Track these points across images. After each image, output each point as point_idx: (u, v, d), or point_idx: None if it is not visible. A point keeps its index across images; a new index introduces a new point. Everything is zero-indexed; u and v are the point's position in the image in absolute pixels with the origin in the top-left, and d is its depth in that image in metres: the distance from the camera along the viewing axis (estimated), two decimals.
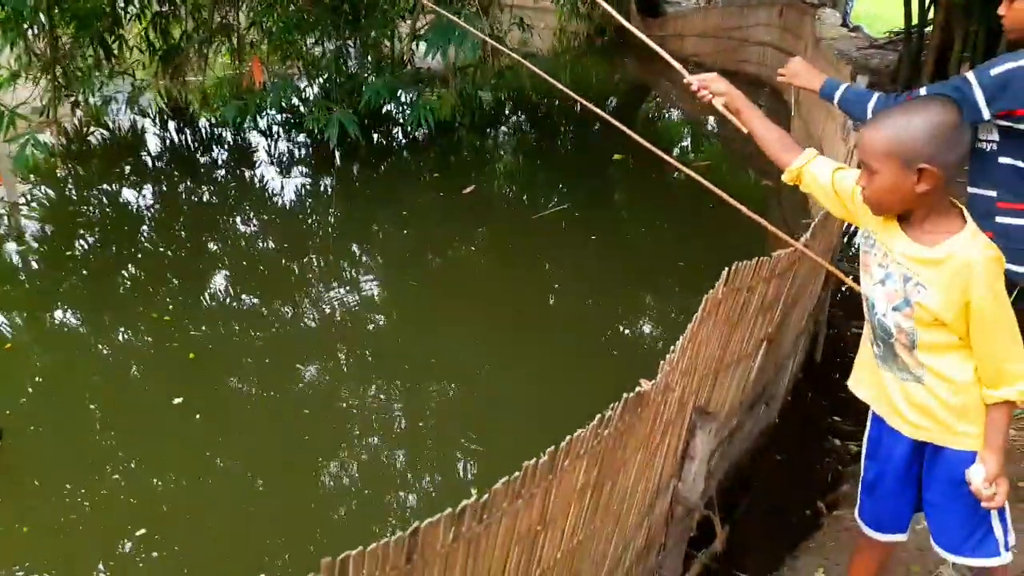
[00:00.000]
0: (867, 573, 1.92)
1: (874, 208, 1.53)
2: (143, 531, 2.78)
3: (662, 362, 1.66)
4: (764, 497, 2.93)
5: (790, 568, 2.42)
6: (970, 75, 2.02)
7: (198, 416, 3.44)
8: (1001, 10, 2.11)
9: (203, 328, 4.28)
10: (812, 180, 1.75)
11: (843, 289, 4.31)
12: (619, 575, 2.05)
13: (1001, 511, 1.61)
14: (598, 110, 2.35)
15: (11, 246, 5.50)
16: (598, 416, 1.47)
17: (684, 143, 9.07)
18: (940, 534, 1.68)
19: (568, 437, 1.39)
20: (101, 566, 2.66)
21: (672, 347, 1.71)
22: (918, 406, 1.58)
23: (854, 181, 1.64)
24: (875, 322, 1.62)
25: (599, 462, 1.55)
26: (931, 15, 7.92)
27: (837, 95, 2.33)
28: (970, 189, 2.21)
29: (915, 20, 8.15)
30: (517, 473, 1.31)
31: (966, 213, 1.50)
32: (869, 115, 2.22)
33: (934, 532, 1.70)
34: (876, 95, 2.26)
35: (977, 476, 1.53)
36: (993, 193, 2.11)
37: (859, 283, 1.71)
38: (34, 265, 5.33)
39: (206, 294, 4.78)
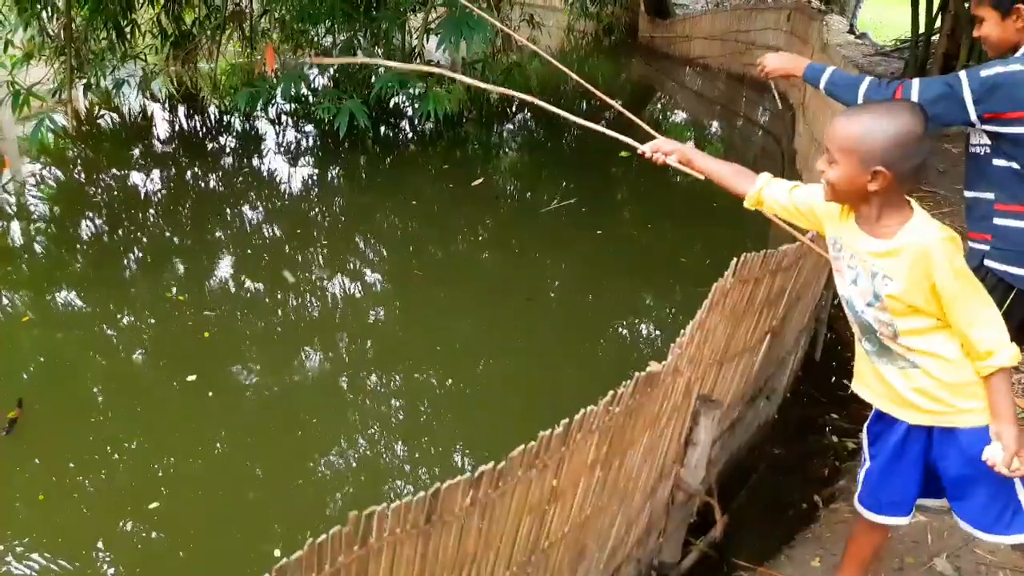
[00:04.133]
0: (861, 557, 1.96)
1: (828, 193, 1.61)
2: (156, 504, 2.83)
3: (672, 344, 1.72)
4: (762, 489, 2.97)
5: (787, 557, 2.46)
6: (962, 74, 2.05)
7: (211, 393, 3.50)
8: (974, 34, 2.19)
9: (216, 309, 4.35)
10: (772, 201, 1.84)
11: None
12: (621, 555, 2.11)
13: None
14: (618, 106, 2.40)
15: (24, 225, 5.56)
16: (610, 393, 1.53)
17: (688, 145, 9.11)
18: (970, 516, 1.70)
19: (582, 411, 1.45)
20: (114, 536, 2.71)
21: (682, 331, 1.76)
22: (920, 390, 1.63)
23: (810, 195, 1.73)
24: (858, 321, 1.70)
25: (609, 439, 1.60)
26: (938, 24, 7.97)
27: (823, 80, 2.29)
28: (968, 193, 2.22)
29: (922, 28, 8.19)
30: (533, 443, 1.37)
31: (915, 204, 1.57)
32: (860, 100, 2.21)
33: (963, 515, 1.71)
34: (867, 79, 2.22)
35: (996, 454, 1.52)
36: (991, 196, 2.13)
37: None
38: (47, 244, 5.37)
39: (218, 277, 4.84)
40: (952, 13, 7.15)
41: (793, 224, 1.89)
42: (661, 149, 2.02)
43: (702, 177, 1.96)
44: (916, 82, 2.13)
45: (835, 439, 3.22)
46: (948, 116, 2.07)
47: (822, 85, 2.30)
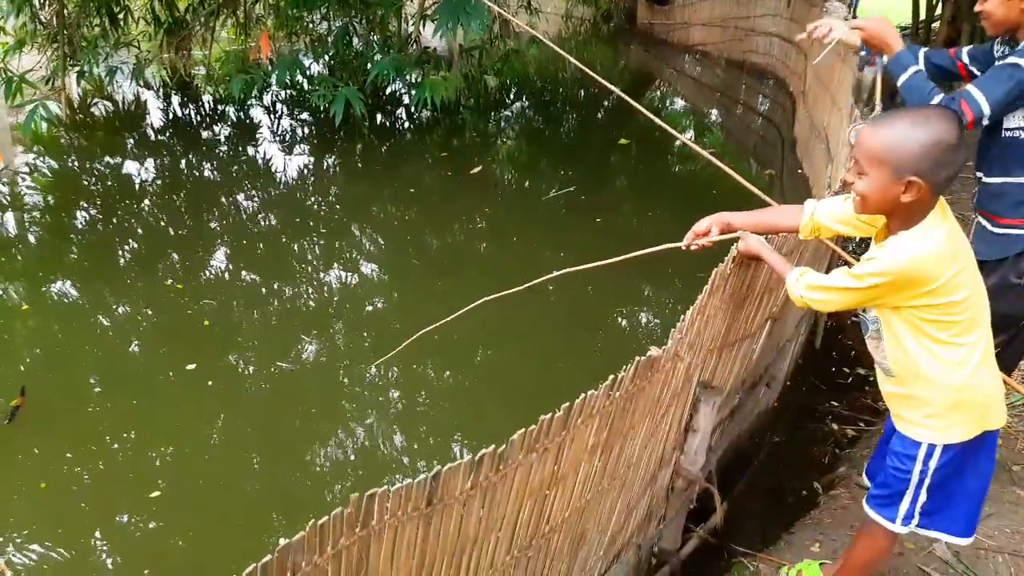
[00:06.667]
0: None
1: (858, 205, 1.54)
2: (157, 493, 2.83)
3: (672, 330, 1.71)
4: (762, 476, 2.98)
5: (786, 543, 2.47)
6: (1014, 58, 2.05)
7: (210, 382, 3.49)
8: (977, 7, 2.18)
9: (215, 298, 4.33)
10: (829, 220, 1.79)
11: None
12: (621, 541, 2.11)
13: (925, 506, 1.72)
14: (619, 91, 2.38)
15: (19, 215, 5.52)
16: (611, 377, 1.52)
17: (688, 133, 9.08)
18: (870, 473, 1.98)
19: (582, 395, 1.44)
20: (115, 524, 2.71)
21: (682, 317, 1.75)
22: (887, 394, 1.75)
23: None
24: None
25: (609, 423, 1.59)
26: (939, 10, 7.94)
27: (903, 76, 2.20)
28: (995, 179, 2.21)
29: (923, 15, 8.16)
30: (534, 427, 1.36)
31: (932, 216, 1.50)
32: None
33: (870, 468, 2.01)
34: (938, 97, 2.13)
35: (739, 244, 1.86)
36: None
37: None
38: (42, 234, 5.34)
39: (216, 266, 4.82)
40: (952, 0, 7.12)
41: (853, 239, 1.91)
42: (697, 232, 1.95)
43: (749, 232, 1.92)
44: (972, 89, 2.09)
45: (835, 426, 3.23)
46: (1021, 99, 2.07)
47: (900, 80, 2.23)
